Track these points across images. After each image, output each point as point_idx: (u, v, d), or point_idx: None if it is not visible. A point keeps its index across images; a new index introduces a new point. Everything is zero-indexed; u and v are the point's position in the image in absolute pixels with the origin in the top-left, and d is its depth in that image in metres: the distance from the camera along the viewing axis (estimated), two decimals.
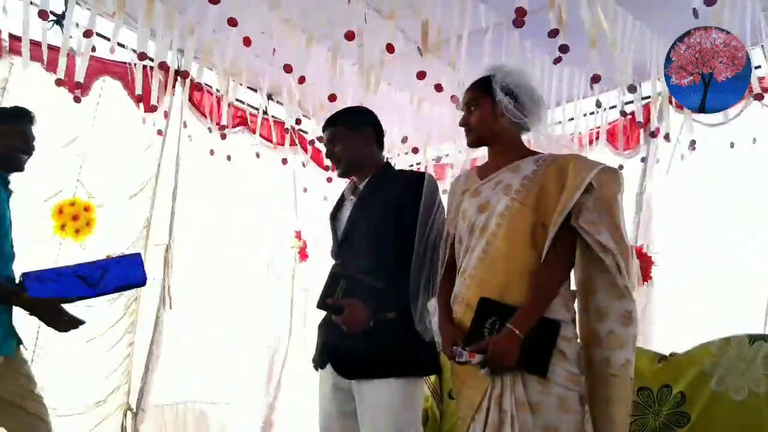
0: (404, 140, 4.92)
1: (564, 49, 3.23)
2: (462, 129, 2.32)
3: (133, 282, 2.81)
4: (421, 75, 3.66)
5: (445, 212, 2.39)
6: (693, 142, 4.59)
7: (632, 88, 4.25)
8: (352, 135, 2.53)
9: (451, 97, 3.81)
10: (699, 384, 3.14)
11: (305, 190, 5.47)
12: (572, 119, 4.93)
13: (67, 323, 2.68)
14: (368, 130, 2.57)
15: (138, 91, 4.25)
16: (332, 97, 3.87)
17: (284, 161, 5.30)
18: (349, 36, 3.47)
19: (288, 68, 3.82)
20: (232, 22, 3.36)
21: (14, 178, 3.51)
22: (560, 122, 4.93)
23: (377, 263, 2.34)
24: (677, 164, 4.78)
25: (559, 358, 2.00)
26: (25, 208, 3.86)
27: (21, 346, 2.79)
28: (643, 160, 5.01)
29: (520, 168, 2.18)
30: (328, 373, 2.43)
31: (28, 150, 2.89)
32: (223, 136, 4.73)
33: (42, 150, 3.87)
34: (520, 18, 3.21)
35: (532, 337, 1.99)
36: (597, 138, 5.02)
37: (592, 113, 4.95)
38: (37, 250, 4.00)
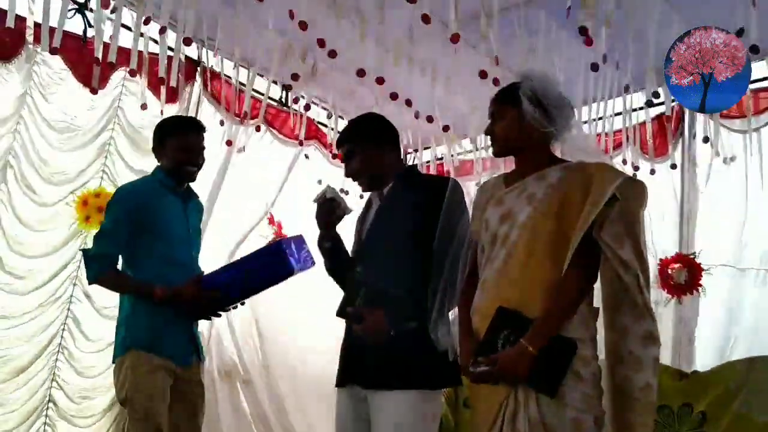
0: (446, 129, 4.82)
1: (583, 31, 3.11)
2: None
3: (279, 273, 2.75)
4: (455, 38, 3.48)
5: (470, 220, 2.32)
6: (734, 158, 4.51)
7: (656, 94, 4.16)
8: (368, 148, 2.47)
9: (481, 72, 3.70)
10: (721, 404, 3.09)
11: (320, 182, 5.39)
12: (600, 118, 4.79)
13: (204, 310, 2.85)
14: (382, 138, 2.51)
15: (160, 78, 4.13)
16: (361, 72, 3.77)
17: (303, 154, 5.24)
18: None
19: (321, 42, 3.65)
20: None
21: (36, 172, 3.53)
22: (585, 122, 4.79)
23: (398, 271, 2.29)
24: (718, 169, 4.65)
25: (575, 380, 1.94)
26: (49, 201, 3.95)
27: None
28: (674, 167, 4.86)
29: (546, 176, 2.13)
30: (346, 389, 2.40)
31: (194, 161, 2.92)
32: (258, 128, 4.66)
33: (66, 142, 3.96)
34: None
35: (546, 355, 1.92)
36: (627, 140, 4.88)
37: (618, 114, 4.80)
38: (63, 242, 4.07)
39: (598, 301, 2.09)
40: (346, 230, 2.59)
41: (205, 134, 2.99)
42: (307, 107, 4.93)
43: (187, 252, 2.90)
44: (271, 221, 5.13)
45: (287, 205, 5.12)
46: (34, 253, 3.97)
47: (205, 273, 2.87)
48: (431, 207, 2.31)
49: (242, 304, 2.96)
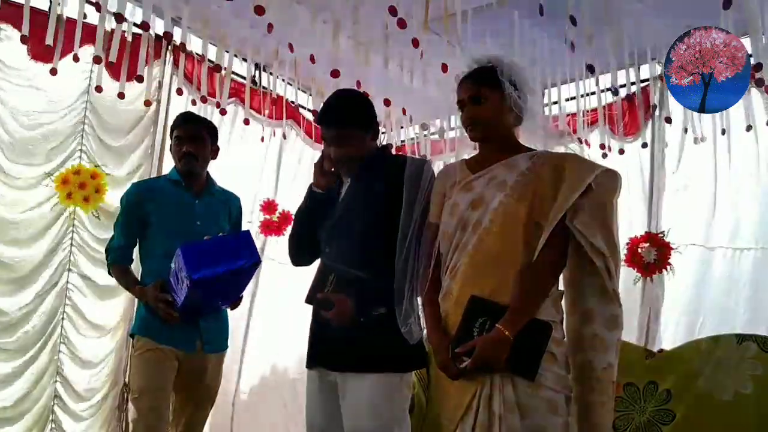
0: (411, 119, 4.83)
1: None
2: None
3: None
4: (416, 42, 3.55)
5: (431, 203, 2.28)
6: (704, 138, 4.56)
7: (615, 92, 4.25)
8: (365, 135, 2.42)
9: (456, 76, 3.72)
10: (686, 382, 3.16)
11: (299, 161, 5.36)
12: (573, 98, 4.81)
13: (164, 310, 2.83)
14: (375, 127, 2.46)
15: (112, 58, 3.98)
16: (335, 73, 3.75)
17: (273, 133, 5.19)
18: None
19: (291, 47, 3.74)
20: None
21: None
22: (556, 102, 4.82)
23: (366, 254, 2.29)
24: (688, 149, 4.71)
25: (549, 361, 1.98)
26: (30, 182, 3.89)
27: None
28: (645, 145, 4.91)
29: (515, 164, 2.13)
30: (315, 371, 2.41)
31: (187, 153, 2.98)
32: (223, 112, 4.58)
33: (41, 121, 3.88)
34: None
35: (523, 338, 1.95)
36: (595, 121, 4.91)
37: (590, 94, 4.82)
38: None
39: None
40: None
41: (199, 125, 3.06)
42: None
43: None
44: (265, 208, 5.15)
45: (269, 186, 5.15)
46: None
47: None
48: (395, 187, 2.29)
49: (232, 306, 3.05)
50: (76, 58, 3.74)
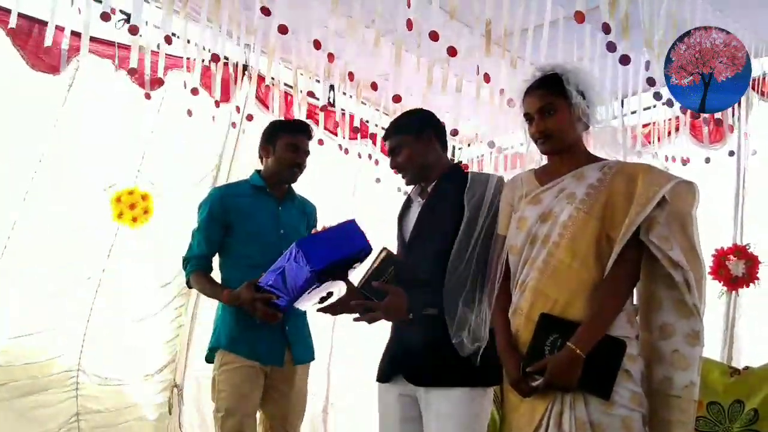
0: (454, 133, 4.81)
1: (611, 47, 3.11)
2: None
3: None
4: (486, 78, 3.59)
5: (500, 214, 2.26)
6: None
7: (669, 103, 4.11)
8: (415, 141, 2.47)
9: (509, 101, 3.72)
10: None
11: (378, 180, 5.43)
12: (649, 108, 4.69)
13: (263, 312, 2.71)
14: (430, 133, 2.50)
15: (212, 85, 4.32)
16: (396, 98, 3.81)
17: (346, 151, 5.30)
18: (433, 37, 3.30)
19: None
20: (283, 30, 3.33)
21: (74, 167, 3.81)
22: (626, 114, 4.72)
23: (431, 263, 2.30)
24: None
25: (624, 378, 1.92)
26: (86, 196, 4.17)
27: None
28: (732, 153, 4.72)
29: (585, 175, 2.08)
30: (393, 385, 2.40)
31: (299, 162, 2.97)
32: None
33: (108, 141, 4.14)
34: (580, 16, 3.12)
35: (596, 356, 1.90)
36: (677, 129, 4.76)
37: (665, 103, 4.68)
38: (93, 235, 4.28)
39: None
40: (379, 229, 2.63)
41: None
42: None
43: (275, 253, 2.76)
44: None
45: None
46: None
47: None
48: (461, 201, 2.30)
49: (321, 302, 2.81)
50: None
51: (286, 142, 2.95)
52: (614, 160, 2.12)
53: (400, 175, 2.56)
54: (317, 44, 3.64)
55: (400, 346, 2.42)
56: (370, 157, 5.31)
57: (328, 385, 5.28)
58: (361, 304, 2.31)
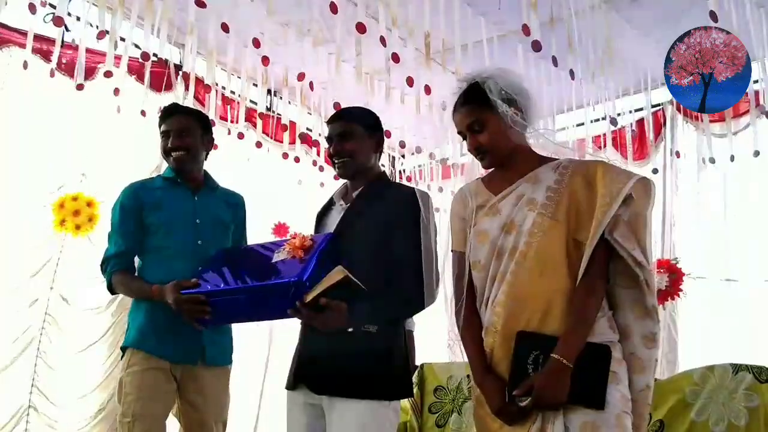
0: (402, 144, 4.89)
1: (536, 45, 3.14)
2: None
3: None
4: (427, 90, 3.63)
5: (451, 231, 2.17)
6: (713, 159, 4.53)
7: (613, 121, 4.24)
8: (366, 136, 2.42)
9: (443, 103, 3.79)
10: (679, 412, 3.12)
11: (300, 182, 5.43)
12: (582, 124, 4.82)
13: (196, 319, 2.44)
14: (379, 137, 2.48)
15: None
16: (337, 106, 3.83)
17: (284, 155, 5.32)
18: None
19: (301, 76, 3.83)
20: (225, 28, 3.35)
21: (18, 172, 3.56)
22: (564, 128, 4.84)
23: (364, 277, 2.21)
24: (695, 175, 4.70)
25: (613, 380, 1.83)
26: (28, 203, 4.00)
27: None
28: (655, 171, 4.89)
29: (540, 178, 1.99)
30: (300, 393, 2.36)
31: (168, 149, 2.74)
32: (240, 136, 4.75)
33: (45, 143, 4.02)
34: (526, 33, 3.16)
35: (582, 367, 1.80)
36: (604, 145, 4.90)
37: (599, 120, 4.83)
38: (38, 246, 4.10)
39: None
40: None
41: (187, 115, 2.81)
42: None
43: (190, 243, 2.68)
44: (278, 231, 5.14)
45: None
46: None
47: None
48: (402, 218, 2.27)
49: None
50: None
51: (160, 132, 2.78)
52: (566, 159, 2.05)
53: (339, 163, 2.42)
54: (256, 43, 3.62)
55: (307, 354, 2.37)
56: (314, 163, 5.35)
57: (262, 387, 5.25)
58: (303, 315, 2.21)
